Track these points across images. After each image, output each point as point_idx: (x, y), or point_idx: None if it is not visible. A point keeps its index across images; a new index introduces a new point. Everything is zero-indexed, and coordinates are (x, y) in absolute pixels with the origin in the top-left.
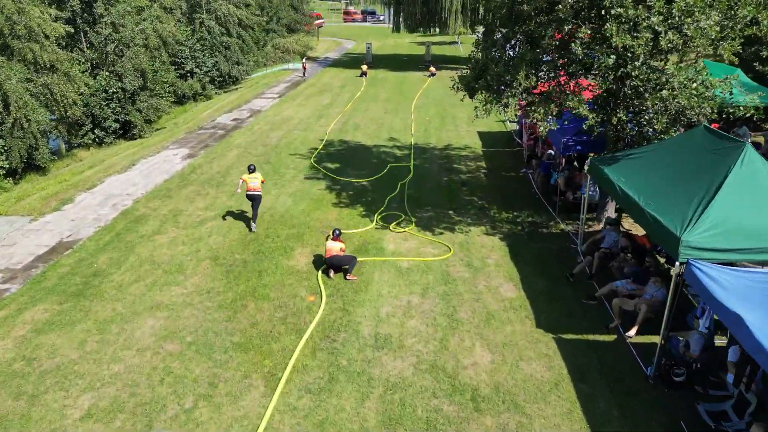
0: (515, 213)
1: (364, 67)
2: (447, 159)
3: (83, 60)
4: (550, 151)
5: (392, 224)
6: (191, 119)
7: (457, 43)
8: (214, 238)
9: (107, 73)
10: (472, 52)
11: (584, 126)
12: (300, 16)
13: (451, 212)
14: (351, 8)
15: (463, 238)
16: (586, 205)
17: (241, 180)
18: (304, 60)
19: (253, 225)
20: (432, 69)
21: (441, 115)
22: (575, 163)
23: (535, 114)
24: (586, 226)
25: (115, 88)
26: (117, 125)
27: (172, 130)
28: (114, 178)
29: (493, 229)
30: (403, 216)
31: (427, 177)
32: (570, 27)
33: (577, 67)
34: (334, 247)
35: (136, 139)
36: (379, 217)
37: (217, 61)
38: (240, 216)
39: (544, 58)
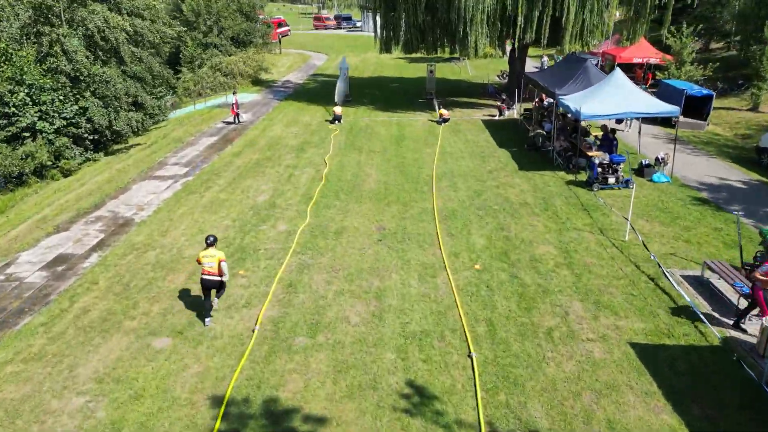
0: None
1: (338, 110)
2: None
3: None
4: None
5: None
6: None
7: (460, 60)
8: None
9: None
10: None
11: None
12: (252, 26)
13: None
14: (324, 12)
15: None
16: None
17: (197, 260)
18: (235, 97)
19: (207, 320)
20: (443, 111)
21: (504, 252)
22: None
23: None
24: None
25: None
26: None
27: None
28: None
29: None
30: None
31: None
32: None
33: None
34: None
35: None
36: None
37: (86, 108)
38: None
39: None
